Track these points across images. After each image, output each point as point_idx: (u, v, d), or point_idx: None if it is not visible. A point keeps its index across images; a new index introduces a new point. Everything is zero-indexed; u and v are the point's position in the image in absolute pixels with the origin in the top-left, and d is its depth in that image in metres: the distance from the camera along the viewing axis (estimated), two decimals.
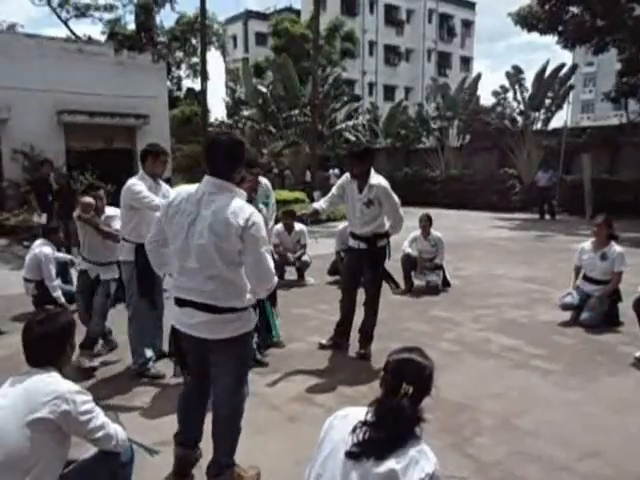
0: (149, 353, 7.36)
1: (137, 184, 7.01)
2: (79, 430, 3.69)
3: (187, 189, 4.49)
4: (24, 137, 22.51)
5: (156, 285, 7.39)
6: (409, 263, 12.30)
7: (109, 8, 40.64)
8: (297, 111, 33.87)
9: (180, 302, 4.51)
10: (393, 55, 75.89)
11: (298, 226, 13.00)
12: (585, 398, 6.65)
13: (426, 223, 12.40)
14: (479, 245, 18.76)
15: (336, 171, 35.67)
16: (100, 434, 3.75)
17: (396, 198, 7.89)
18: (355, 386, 6.93)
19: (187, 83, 48.20)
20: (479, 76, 37.13)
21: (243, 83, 37.67)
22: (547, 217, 26.68)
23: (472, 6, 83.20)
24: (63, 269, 11.02)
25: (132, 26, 41.71)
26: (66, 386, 3.68)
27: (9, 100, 22.35)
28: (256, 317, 4.69)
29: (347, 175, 8.00)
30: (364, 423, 3.11)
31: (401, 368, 3.22)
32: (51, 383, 3.66)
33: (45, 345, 3.81)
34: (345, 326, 8.41)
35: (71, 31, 40.20)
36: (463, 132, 36.20)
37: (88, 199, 7.78)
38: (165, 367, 7.24)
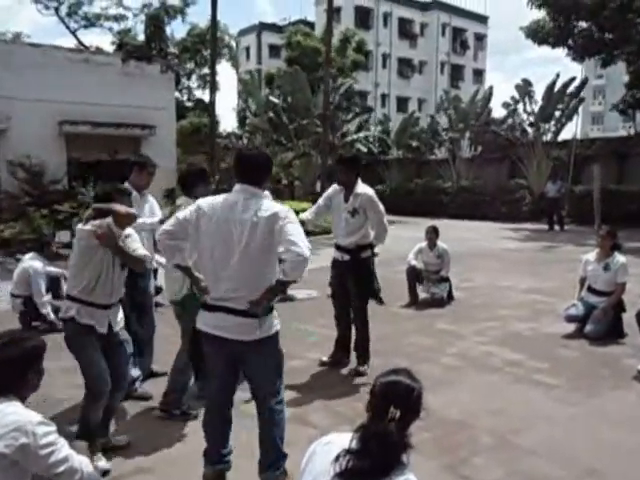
0: (136, 372, 7.05)
1: None
2: (39, 464, 3.42)
3: (214, 200, 4.72)
4: (23, 148, 22.20)
5: (147, 301, 7.22)
6: (414, 275, 12.12)
7: (119, 18, 40.48)
8: (307, 121, 33.79)
9: (212, 308, 4.66)
10: (406, 67, 76.05)
11: None
12: (587, 414, 6.51)
13: (432, 235, 12.24)
14: (487, 256, 18.60)
15: None
16: (62, 468, 3.47)
17: (381, 207, 7.81)
18: (352, 405, 6.72)
19: (198, 94, 47.97)
20: (491, 89, 37.09)
21: (254, 94, 37.60)
22: (556, 228, 26.48)
23: (485, 20, 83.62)
24: (54, 284, 10.71)
25: (143, 37, 41.57)
26: (27, 417, 3.43)
27: (9, 110, 22.11)
28: None
29: (335, 186, 8.00)
30: (348, 451, 2.90)
31: (388, 391, 3.02)
32: (11, 413, 3.42)
33: (5, 371, 3.59)
34: (343, 341, 8.29)
35: (79, 41, 40.12)
36: (475, 143, 36.13)
37: (129, 208, 5.61)
38: (154, 387, 7.04)
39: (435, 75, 76.97)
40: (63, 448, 3.51)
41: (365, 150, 37.44)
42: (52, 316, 9.93)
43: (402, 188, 36.44)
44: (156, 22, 39.56)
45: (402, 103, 73.82)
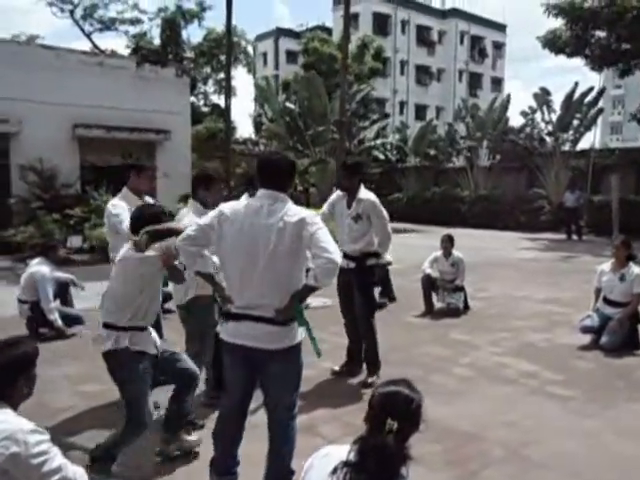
0: None
1: (116, 206, 6.79)
2: (31, 475, 3.32)
3: (237, 205, 4.65)
4: (36, 151, 22.02)
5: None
6: (429, 284, 12.04)
7: (135, 22, 40.28)
8: (324, 128, 33.75)
9: (236, 317, 4.55)
10: (424, 75, 76.18)
11: None
12: (602, 426, 6.38)
13: (447, 243, 12.16)
14: (504, 265, 18.50)
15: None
16: (55, 478, 3.38)
17: (385, 213, 7.80)
18: (362, 416, 6.51)
19: (214, 99, 47.83)
20: (509, 97, 37.06)
21: (270, 100, 37.59)
22: (574, 237, 26.42)
23: (503, 28, 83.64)
24: (63, 290, 10.61)
25: (158, 41, 41.46)
26: (18, 425, 3.35)
27: (21, 113, 21.94)
28: None
29: (337, 192, 8.03)
30: (345, 463, 2.86)
31: (386, 402, 3.00)
32: (1, 422, 3.34)
33: None
34: (354, 350, 8.22)
35: (94, 44, 40.00)
36: (493, 152, 36.04)
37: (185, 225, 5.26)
38: (161, 395, 6.92)
39: (453, 83, 77.06)
40: (56, 457, 3.42)
41: (383, 157, 37.44)
42: (59, 322, 9.91)
43: (419, 196, 36.46)
44: (172, 26, 39.43)
45: (420, 111, 73.85)
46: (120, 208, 6.69)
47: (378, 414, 2.96)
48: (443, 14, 78.37)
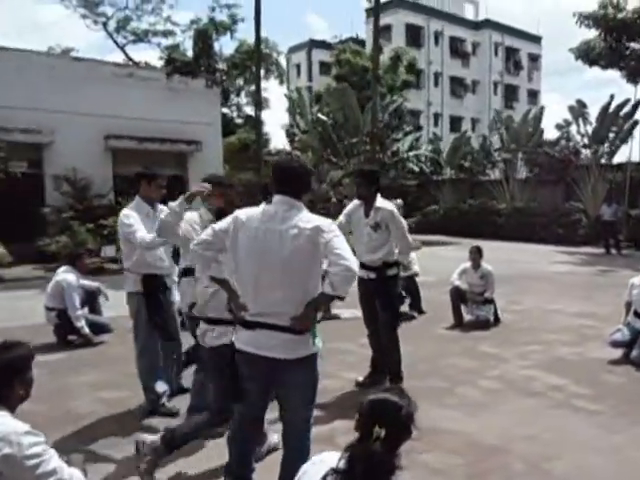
0: (161, 388, 6.97)
1: (129, 216, 6.75)
2: (25, 476, 3.32)
3: (252, 211, 4.58)
4: (68, 162, 22.30)
5: (169, 314, 7.10)
6: (458, 296, 11.94)
7: (167, 34, 40.29)
8: (357, 140, 33.70)
9: (251, 325, 4.48)
10: (459, 87, 75.76)
11: None
12: (629, 442, 6.24)
13: (476, 255, 12.04)
14: (539, 279, 18.28)
15: (399, 201, 35.33)
16: None
17: (403, 222, 7.80)
18: None
19: (247, 110, 47.83)
20: (542, 109, 36.90)
21: (302, 111, 37.62)
22: (613, 252, 25.98)
23: (538, 40, 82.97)
24: (91, 298, 10.70)
25: (191, 52, 41.56)
26: (13, 427, 3.35)
27: (54, 124, 22.19)
28: None
29: (354, 201, 8.02)
30: (334, 471, 2.86)
31: (374, 409, 2.97)
32: None
33: None
34: (378, 360, 8.15)
35: (127, 56, 40.14)
36: (528, 164, 35.81)
37: None
38: (183, 403, 6.81)
39: (488, 95, 76.61)
40: (52, 460, 3.42)
41: (417, 169, 37.34)
42: (86, 330, 10.00)
43: (456, 209, 36.39)
44: (204, 38, 39.39)
45: (455, 122, 73.41)
46: (132, 218, 6.68)
47: (366, 421, 2.93)
48: (476, 25, 77.91)
